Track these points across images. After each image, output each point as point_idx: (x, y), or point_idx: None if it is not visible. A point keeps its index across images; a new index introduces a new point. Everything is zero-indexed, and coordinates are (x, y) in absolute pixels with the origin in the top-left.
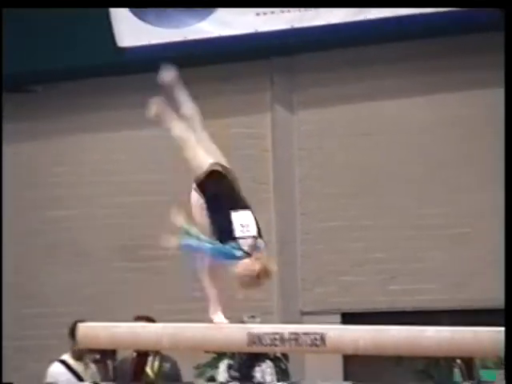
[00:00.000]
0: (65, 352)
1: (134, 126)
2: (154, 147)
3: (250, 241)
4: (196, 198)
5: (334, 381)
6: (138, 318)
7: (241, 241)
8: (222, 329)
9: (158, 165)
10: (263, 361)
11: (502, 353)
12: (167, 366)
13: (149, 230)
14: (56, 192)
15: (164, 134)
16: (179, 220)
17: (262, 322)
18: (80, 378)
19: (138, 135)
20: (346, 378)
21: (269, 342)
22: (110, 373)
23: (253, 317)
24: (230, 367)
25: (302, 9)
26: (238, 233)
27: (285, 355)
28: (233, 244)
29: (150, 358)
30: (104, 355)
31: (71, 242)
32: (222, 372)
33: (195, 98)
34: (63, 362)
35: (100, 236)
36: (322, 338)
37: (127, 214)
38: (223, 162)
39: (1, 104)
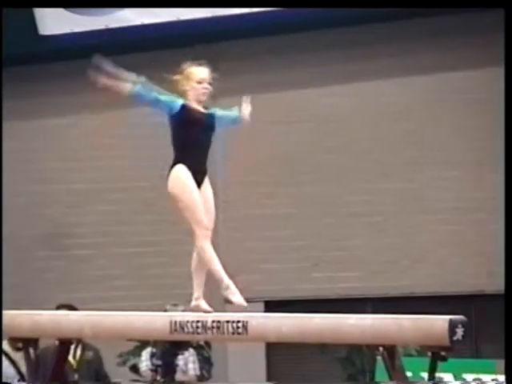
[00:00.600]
0: None
1: (53, 114)
2: (72, 135)
3: None
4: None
5: (258, 371)
6: (61, 307)
7: None
8: (144, 317)
9: (77, 153)
10: (186, 349)
11: (424, 341)
12: (90, 354)
13: (68, 218)
14: None
15: (82, 122)
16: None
17: (184, 310)
18: (18, 369)
19: (56, 123)
20: (268, 366)
21: (191, 330)
22: (33, 361)
23: (175, 305)
24: (152, 355)
25: None
26: None
27: (207, 343)
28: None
29: (73, 346)
30: (26, 343)
31: None
32: (144, 360)
33: None
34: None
35: (21, 225)
36: (245, 326)
37: (47, 203)
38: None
39: (1, 99)
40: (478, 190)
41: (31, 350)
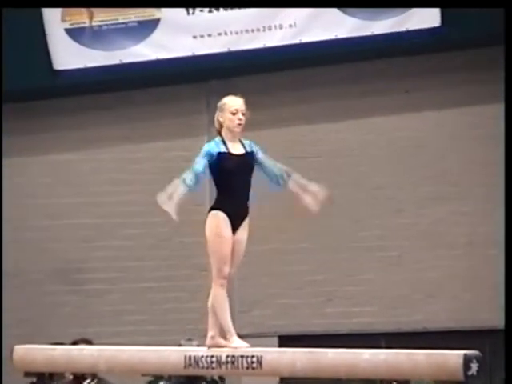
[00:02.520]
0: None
1: (65, 149)
2: (84, 170)
3: None
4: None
5: None
6: (77, 342)
7: None
8: (158, 351)
9: (89, 188)
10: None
11: (438, 375)
12: None
13: (80, 253)
14: None
15: (93, 157)
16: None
17: (199, 345)
18: None
19: (68, 158)
20: None
21: (206, 364)
22: None
23: (190, 339)
24: None
25: (239, 31)
26: None
27: (221, 378)
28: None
29: (88, 381)
30: (41, 378)
31: (1, 264)
32: None
33: (131, 121)
34: None
35: (32, 259)
36: (259, 361)
37: (58, 238)
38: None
39: (0, 114)
40: (491, 224)
41: None
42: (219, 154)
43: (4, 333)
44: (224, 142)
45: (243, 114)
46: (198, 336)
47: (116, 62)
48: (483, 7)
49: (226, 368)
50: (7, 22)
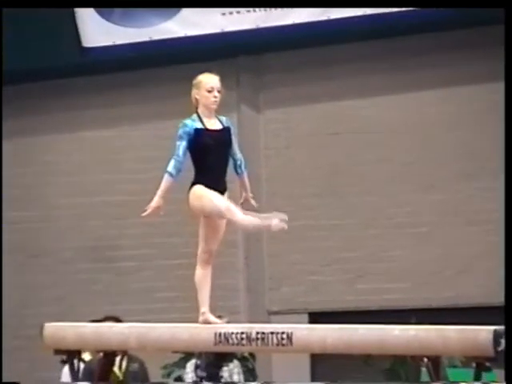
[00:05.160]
0: (31, 352)
1: (96, 127)
2: (115, 148)
3: None
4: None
5: (302, 381)
6: (106, 319)
7: None
8: (188, 328)
9: (120, 165)
10: (230, 360)
11: (468, 351)
12: (135, 366)
13: (112, 230)
14: (16, 193)
15: (124, 134)
16: None
17: (228, 322)
18: None
19: (99, 135)
20: (313, 377)
21: (236, 341)
22: (79, 373)
23: (219, 316)
24: (197, 367)
25: (268, 8)
26: None
27: (252, 355)
28: None
29: (118, 358)
30: (71, 355)
31: (32, 243)
32: (189, 372)
33: (161, 98)
34: None
35: (63, 237)
36: (289, 338)
37: (90, 215)
38: None
39: (1, 102)
40: None
41: (76, 362)
42: (196, 130)
43: (36, 311)
44: (200, 119)
45: (219, 92)
46: (229, 312)
47: (145, 39)
48: (483, 7)
49: (256, 345)
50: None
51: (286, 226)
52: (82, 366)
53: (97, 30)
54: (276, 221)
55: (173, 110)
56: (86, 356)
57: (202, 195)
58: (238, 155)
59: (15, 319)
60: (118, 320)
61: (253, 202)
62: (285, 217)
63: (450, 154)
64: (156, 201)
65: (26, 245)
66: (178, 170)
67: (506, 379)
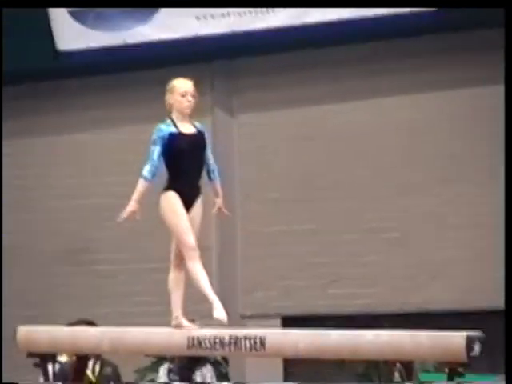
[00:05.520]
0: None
1: (70, 130)
2: (90, 151)
3: None
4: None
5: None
6: (79, 322)
7: None
8: (162, 332)
9: (96, 168)
10: (203, 364)
11: (441, 357)
12: (108, 369)
13: (88, 233)
14: None
15: (99, 138)
16: None
17: (201, 326)
18: None
19: (73, 139)
20: (286, 382)
21: (209, 345)
22: (51, 377)
23: (192, 320)
24: (170, 371)
25: (242, 12)
26: None
27: (225, 359)
28: None
29: (92, 362)
30: (44, 359)
31: (7, 245)
32: (162, 376)
33: (135, 102)
34: None
35: (38, 240)
36: (262, 342)
37: (67, 218)
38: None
39: (0, 103)
40: (495, 206)
41: (49, 366)
42: (170, 134)
43: (10, 313)
44: (174, 123)
45: (192, 96)
46: (201, 316)
47: (119, 42)
48: (483, 7)
49: (229, 349)
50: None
51: (225, 322)
52: (57, 367)
53: (71, 34)
54: (219, 313)
55: (148, 113)
56: (63, 358)
57: (176, 217)
58: (211, 161)
59: None
60: (91, 323)
61: (225, 210)
62: (224, 319)
63: (424, 159)
64: (132, 205)
65: (2, 247)
66: (153, 175)
67: (506, 379)
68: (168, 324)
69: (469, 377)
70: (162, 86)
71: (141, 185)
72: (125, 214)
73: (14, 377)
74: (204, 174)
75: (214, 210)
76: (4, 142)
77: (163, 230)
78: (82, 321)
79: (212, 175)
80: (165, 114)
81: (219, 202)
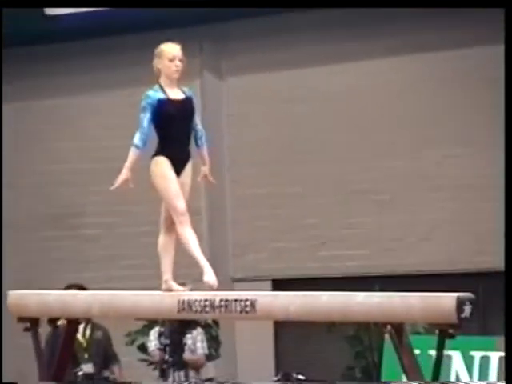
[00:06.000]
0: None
1: (59, 94)
2: (79, 115)
3: None
4: None
5: (266, 348)
6: (69, 287)
7: None
8: (152, 296)
9: (83, 132)
10: (194, 328)
11: (431, 318)
12: (99, 333)
13: (76, 197)
14: None
15: (88, 101)
16: None
17: (192, 289)
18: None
19: (62, 103)
20: (276, 344)
21: (199, 308)
22: (42, 341)
23: (183, 284)
24: (160, 334)
25: None
26: None
27: (215, 322)
28: None
29: (83, 326)
30: (35, 323)
31: None
32: (152, 339)
33: (124, 65)
34: None
35: (26, 205)
36: (253, 305)
37: (55, 183)
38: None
39: (1, 92)
40: (487, 167)
41: (40, 330)
42: (159, 100)
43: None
44: (163, 89)
45: (180, 61)
46: (191, 280)
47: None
48: (483, 7)
49: (220, 312)
50: None
51: (215, 286)
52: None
53: None
54: (209, 277)
55: (136, 77)
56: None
57: (166, 181)
58: (199, 126)
59: None
60: (81, 288)
61: (210, 178)
62: (214, 284)
63: (411, 121)
64: (124, 173)
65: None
66: (144, 142)
67: (506, 379)
68: (158, 288)
69: (460, 338)
70: (149, 49)
71: (132, 153)
72: (118, 182)
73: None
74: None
75: (200, 178)
76: None
77: (152, 195)
78: (73, 285)
79: (199, 142)
80: (153, 77)
81: (205, 169)
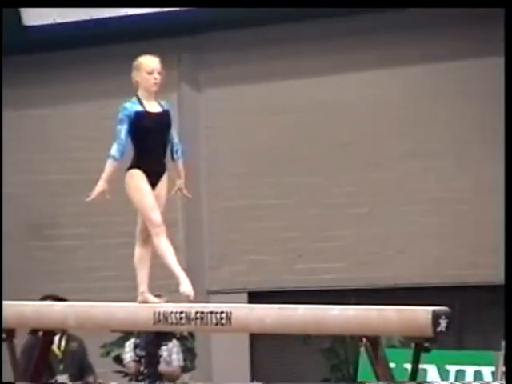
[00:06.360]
0: None
1: (35, 105)
2: (55, 126)
3: None
4: None
5: (241, 361)
6: (46, 298)
7: None
8: (127, 307)
9: (58, 144)
10: (170, 340)
11: (407, 332)
12: (74, 344)
13: (51, 208)
14: None
15: (64, 113)
16: None
17: (168, 301)
18: None
19: (39, 114)
20: (252, 357)
21: (175, 320)
22: (17, 352)
23: (158, 295)
24: (136, 346)
25: None
26: None
27: (191, 334)
28: None
29: (58, 337)
30: (10, 334)
31: None
32: (128, 351)
33: (100, 77)
34: None
35: (4, 215)
36: (228, 317)
37: (31, 193)
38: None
39: (1, 99)
40: (462, 181)
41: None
42: (136, 113)
43: None
44: (140, 101)
45: (159, 74)
46: (167, 292)
47: (86, 17)
48: (483, 7)
49: (196, 324)
50: None
51: (191, 297)
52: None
53: (37, 9)
54: (186, 287)
55: (112, 89)
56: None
57: (141, 194)
58: (176, 140)
59: None
60: (57, 299)
61: (185, 191)
62: (191, 294)
63: (390, 134)
64: (101, 185)
65: None
66: (122, 153)
67: (506, 379)
68: (132, 300)
69: (435, 352)
70: (126, 60)
71: (110, 164)
72: (94, 193)
73: None
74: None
75: (174, 191)
76: None
77: (128, 206)
78: (49, 296)
79: (175, 155)
80: (129, 88)
81: (180, 182)
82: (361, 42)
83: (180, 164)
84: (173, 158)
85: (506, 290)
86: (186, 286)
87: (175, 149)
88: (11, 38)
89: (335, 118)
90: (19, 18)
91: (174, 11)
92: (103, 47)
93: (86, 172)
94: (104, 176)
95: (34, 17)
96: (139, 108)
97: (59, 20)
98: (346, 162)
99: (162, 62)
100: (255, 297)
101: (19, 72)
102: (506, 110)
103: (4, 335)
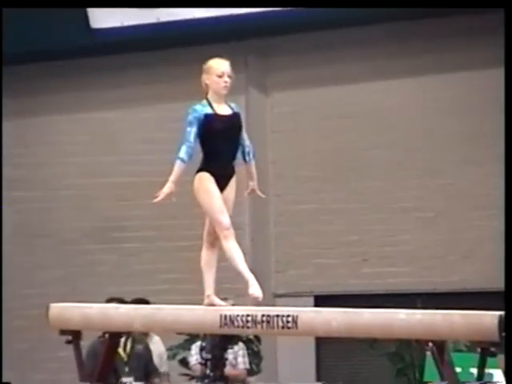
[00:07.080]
0: (33, 332)
1: (102, 107)
2: (121, 129)
3: None
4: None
5: (307, 364)
6: (111, 300)
7: None
8: (194, 310)
9: (127, 146)
10: (236, 343)
11: (473, 336)
12: (139, 347)
13: (116, 211)
14: (19, 173)
15: (130, 116)
16: None
17: (234, 304)
18: None
19: (106, 117)
20: (318, 360)
21: (241, 324)
22: (83, 354)
23: (225, 299)
24: (202, 349)
25: None
26: None
27: (257, 337)
28: None
29: (123, 339)
30: (76, 336)
31: (36, 223)
32: (194, 354)
33: (168, 80)
34: None
35: (67, 218)
36: (295, 321)
37: (97, 196)
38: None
39: (1, 99)
40: None
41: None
42: (206, 115)
43: (38, 292)
44: (210, 104)
45: (229, 77)
46: (234, 295)
47: (153, 20)
48: (483, 7)
49: (262, 327)
50: None
51: (260, 299)
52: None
53: (105, 11)
54: (255, 290)
55: (180, 91)
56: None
57: (210, 197)
58: (247, 142)
59: (17, 300)
60: (122, 301)
61: (259, 192)
62: (259, 296)
63: (455, 139)
64: (168, 186)
65: (30, 225)
66: (190, 156)
67: (506, 379)
68: (196, 302)
69: (501, 357)
70: (193, 64)
71: (178, 166)
72: (161, 195)
73: (45, 354)
74: (239, 155)
75: (246, 193)
76: (34, 120)
77: (191, 209)
78: (114, 299)
79: (247, 157)
80: (194, 92)
81: (253, 184)
82: (430, 47)
83: (252, 166)
84: (245, 160)
85: (506, 290)
86: (255, 288)
87: (247, 151)
88: (79, 41)
89: (403, 123)
90: (87, 21)
91: (241, 15)
92: (169, 50)
93: (151, 175)
94: (172, 178)
95: (101, 19)
96: (209, 110)
97: (126, 23)
98: (411, 167)
99: (230, 65)
100: (321, 300)
101: (87, 75)
102: (506, 112)
103: (70, 337)
